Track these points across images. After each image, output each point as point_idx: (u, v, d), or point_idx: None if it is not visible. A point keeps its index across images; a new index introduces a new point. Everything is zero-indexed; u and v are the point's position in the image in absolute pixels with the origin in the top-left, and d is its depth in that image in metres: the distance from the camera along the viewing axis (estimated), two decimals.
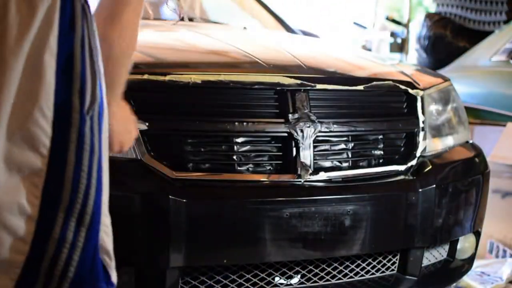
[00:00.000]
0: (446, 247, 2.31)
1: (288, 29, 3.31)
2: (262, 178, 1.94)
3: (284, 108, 1.98)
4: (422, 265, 2.18)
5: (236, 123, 1.92)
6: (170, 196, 1.78)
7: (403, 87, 2.21)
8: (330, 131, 2.03)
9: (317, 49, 2.66)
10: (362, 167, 2.10)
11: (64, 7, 1.19)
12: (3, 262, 1.17)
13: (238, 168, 1.93)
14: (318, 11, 9.99)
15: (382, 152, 2.15)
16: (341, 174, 2.04)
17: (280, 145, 1.97)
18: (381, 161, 2.15)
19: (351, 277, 2.07)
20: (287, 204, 1.90)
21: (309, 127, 1.97)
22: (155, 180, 1.83)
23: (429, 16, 5.44)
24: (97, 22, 1.41)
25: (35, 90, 1.17)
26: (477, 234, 2.39)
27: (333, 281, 2.04)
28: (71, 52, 1.20)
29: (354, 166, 2.09)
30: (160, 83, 1.87)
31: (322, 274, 2.03)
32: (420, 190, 2.08)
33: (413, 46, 5.92)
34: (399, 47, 6.62)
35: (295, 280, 2.01)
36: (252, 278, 1.94)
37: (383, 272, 2.13)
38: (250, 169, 1.95)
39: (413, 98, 2.23)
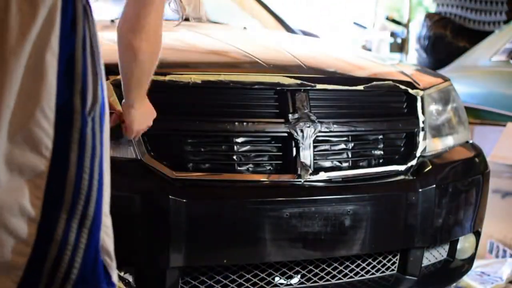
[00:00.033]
0: (446, 247, 2.31)
1: (288, 29, 3.31)
2: (262, 178, 1.94)
3: (284, 108, 1.98)
4: (422, 265, 2.18)
5: (236, 123, 1.92)
6: (170, 196, 1.78)
7: (403, 87, 2.21)
8: (330, 131, 2.03)
9: (317, 49, 2.66)
10: (362, 167, 2.10)
11: (66, 8, 1.19)
12: (4, 264, 1.17)
13: (238, 168, 1.93)
14: (318, 11, 9.98)
15: (382, 152, 2.15)
16: (341, 174, 2.04)
17: (280, 145, 1.97)
18: (381, 161, 2.15)
19: (351, 277, 2.07)
20: (287, 204, 1.90)
21: (309, 127, 1.97)
22: (155, 180, 1.83)
23: (429, 16, 5.44)
24: (120, 33, 1.44)
25: (36, 91, 1.17)
26: (477, 234, 2.39)
27: (333, 281, 2.04)
28: (72, 52, 1.21)
29: (354, 166, 2.09)
30: (160, 83, 1.87)
31: (322, 274, 2.03)
32: (420, 190, 2.08)
33: (413, 46, 5.91)
34: (399, 47, 6.62)
35: (295, 280, 2.01)
36: (252, 278, 1.94)
37: (383, 272, 2.13)
38: (250, 169, 1.95)
39: (413, 98, 2.23)
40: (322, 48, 2.72)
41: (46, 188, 1.19)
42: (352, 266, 2.07)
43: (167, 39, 2.35)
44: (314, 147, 2.00)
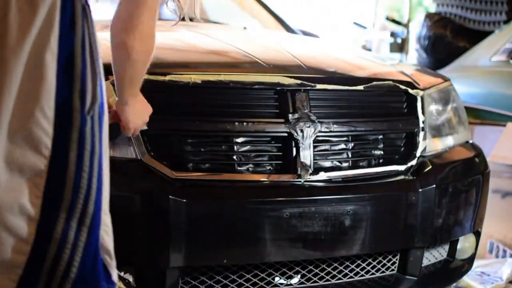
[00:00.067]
0: (446, 247, 2.31)
1: (288, 29, 3.31)
2: (262, 178, 1.94)
3: (284, 108, 1.98)
4: (422, 265, 2.18)
5: (236, 123, 1.92)
6: (170, 196, 1.78)
7: (403, 87, 2.21)
8: (330, 131, 2.03)
9: (317, 49, 2.66)
10: (362, 167, 2.10)
11: (65, 7, 1.19)
12: (4, 263, 1.17)
13: (238, 168, 1.93)
14: (318, 11, 9.98)
15: (382, 152, 2.15)
16: (341, 174, 2.04)
17: (280, 145, 1.97)
18: (381, 161, 2.15)
19: (351, 277, 2.07)
20: (287, 204, 1.90)
21: (309, 127, 1.97)
22: (155, 180, 1.83)
23: (429, 16, 5.44)
24: (113, 32, 1.44)
25: (36, 90, 1.17)
26: (477, 234, 2.39)
27: (333, 281, 2.04)
28: (71, 51, 1.21)
29: (354, 166, 2.09)
30: (160, 83, 1.87)
31: (322, 274, 2.03)
32: (420, 190, 2.08)
33: (413, 46, 5.91)
34: (399, 47, 6.62)
35: (295, 280, 2.01)
36: (252, 278, 1.94)
37: (383, 272, 2.13)
38: (250, 169, 1.95)
39: (413, 98, 2.23)
40: (322, 48, 2.72)
41: (46, 187, 1.19)
42: (352, 266, 2.07)
43: (167, 39, 2.36)
44: (314, 147, 2.00)
